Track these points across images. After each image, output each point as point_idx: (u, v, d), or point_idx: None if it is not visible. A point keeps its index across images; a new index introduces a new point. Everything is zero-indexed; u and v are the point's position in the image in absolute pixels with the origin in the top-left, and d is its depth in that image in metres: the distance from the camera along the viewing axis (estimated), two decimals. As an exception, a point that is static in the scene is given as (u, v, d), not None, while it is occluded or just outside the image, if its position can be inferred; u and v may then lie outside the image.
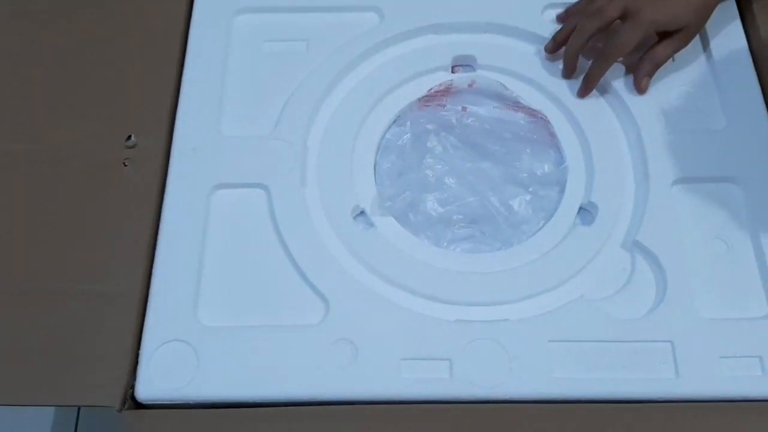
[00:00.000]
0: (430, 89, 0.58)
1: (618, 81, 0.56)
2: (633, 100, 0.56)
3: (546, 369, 0.46)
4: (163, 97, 0.55)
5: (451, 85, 0.58)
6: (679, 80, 0.57)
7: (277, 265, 0.50)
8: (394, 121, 0.57)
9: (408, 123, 0.57)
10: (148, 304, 0.48)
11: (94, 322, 0.47)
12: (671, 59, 0.57)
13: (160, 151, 0.53)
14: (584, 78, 0.56)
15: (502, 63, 0.58)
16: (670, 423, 0.44)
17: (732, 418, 0.44)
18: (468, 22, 0.59)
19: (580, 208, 0.53)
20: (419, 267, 0.50)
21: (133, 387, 0.45)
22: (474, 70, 0.59)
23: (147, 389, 0.45)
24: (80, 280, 0.48)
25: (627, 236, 0.51)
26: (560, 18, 0.59)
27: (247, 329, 0.47)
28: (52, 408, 0.79)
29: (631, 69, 0.57)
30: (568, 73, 0.57)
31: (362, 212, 0.53)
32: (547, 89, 0.57)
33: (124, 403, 0.44)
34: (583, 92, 0.56)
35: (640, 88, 0.56)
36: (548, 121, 0.57)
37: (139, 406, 0.46)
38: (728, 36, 0.58)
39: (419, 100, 0.58)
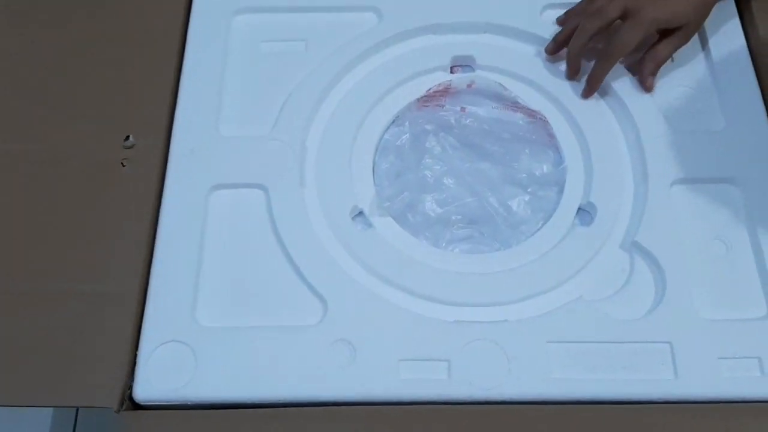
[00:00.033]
0: (429, 89, 0.58)
1: (617, 81, 0.56)
2: (632, 101, 0.56)
3: (545, 370, 0.46)
4: (162, 97, 0.55)
5: (450, 85, 0.58)
6: (679, 81, 0.57)
7: (276, 265, 0.50)
8: (393, 122, 0.57)
9: (407, 123, 0.57)
10: (146, 304, 0.48)
11: (92, 323, 0.47)
12: (671, 59, 0.57)
13: (159, 152, 0.53)
14: (588, 79, 0.56)
15: (501, 63, 0.58)
16: (669, 424, 0.44)
17: (731, 419, 0.44)
18: (467, 22, 0.59)
19: (579, 208, 0.53)
20: (418, 267, 0.50)
21: (131, 388, 0.45)
22: (473, 70, 0.59)
23: (145, 390, 0.45)
24: (78, 280, 0.48)
25: (626, 237, 0.51)
26: (560, 20, 0.59)
27: (246, 330, 0.47)
28: (51, 408, 0.79)
29: (633, 69, 0.57)
30: (572, 74, 0.57)
31: (361, 213, 0.53)
32: (546, 90, 0.57)
33: (122, 404, 0.44)
34: (587, 93, 0.56)
35: (647, 87, 0.56)
36: (547, 122, 0.56)
37: (137, 406, 0.46)
38: (727, 36, 0.58)
39: (418, 100, 0.58)
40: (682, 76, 0.57)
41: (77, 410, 0.81)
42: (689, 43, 0.56)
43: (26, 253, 0.50)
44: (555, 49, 0.57)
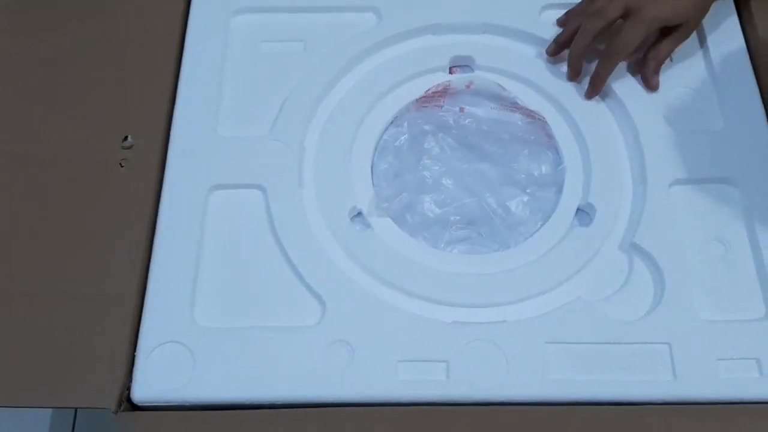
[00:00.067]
0: (428, 90, 0.58)
1: (616, 82, 0.56)
2: (631, 101, 0.55)
3: (543, 371, 0.46)
4: (160, 98, 0.55)
5: (449, 85, 0.58)
6: (677, 81, 0.57)
7: (274, 266, 0.50)
8: (392, 122, 0.57)
9: (405, 124, 0.57)
10: (145, 305, 0.48)
11: (91, 324, 0.47)
12: (669, 58, 0.57)
13: (157, 152, 0.53)
14: (591, 79, 0.56)
15: (500, 64, 0.58)
16: (668, 425, 0.44)
17: (729, 420, 0.44)
18: (466, 22, 0.59)
19: (578, 209, 0.53)
20: (416, 268, 0.50)
21: (129, 388, 0.45)
22: (472, 70, 0.59)
23: (143, 391, 0.45)
24: (76, 281, 0.48)
25: (625, 238, 0.51)
26: (560, 21, 0.59)
27: (244, 331, 0.47)
28: (49, 409, 0.79)
29: (634, 68, 0.57)
30: (573, 76, 0.57)
31: (359, 213, 0.53)
32: (544, 90, 0.57)
33: (120, 405, 0.44)
34: (591, 94, 0.56)
35: (652, 86, 0.56)
36: (546, 122, 0.56)
37: (135, 407, 0.46)
38: (726, 36, 0.58)
39: (417, 100, 0.58)
40: (681, 77, 0.57)
41: (76, 411, 0.81)
42: (688, 43, 0.56)
43: (24, 254, 0.50)
44: (556, 50, 0.57)
